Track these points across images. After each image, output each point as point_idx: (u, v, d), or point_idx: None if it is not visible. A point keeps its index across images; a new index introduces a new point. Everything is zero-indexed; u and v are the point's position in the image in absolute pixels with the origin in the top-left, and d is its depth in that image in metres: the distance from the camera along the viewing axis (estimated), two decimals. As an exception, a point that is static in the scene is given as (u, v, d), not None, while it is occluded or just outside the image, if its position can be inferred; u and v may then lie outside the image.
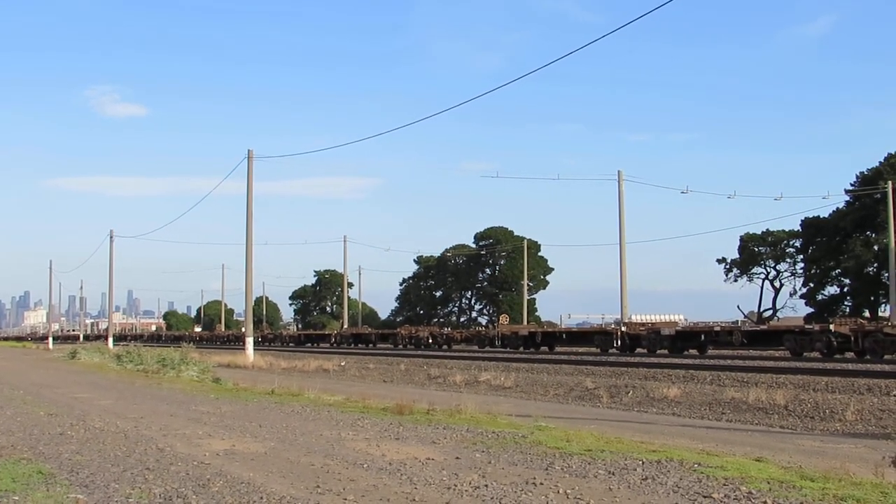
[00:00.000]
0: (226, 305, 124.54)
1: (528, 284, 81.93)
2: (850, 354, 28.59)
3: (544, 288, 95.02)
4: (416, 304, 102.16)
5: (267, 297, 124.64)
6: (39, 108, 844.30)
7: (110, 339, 70.76)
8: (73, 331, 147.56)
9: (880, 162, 60.49)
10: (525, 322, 68.39)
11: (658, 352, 35.07)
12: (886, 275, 55.10)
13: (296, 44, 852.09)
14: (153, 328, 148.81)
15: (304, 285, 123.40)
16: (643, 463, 8.21)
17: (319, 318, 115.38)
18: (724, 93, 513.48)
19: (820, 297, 65.93)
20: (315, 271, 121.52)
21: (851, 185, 62.45)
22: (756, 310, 74.01)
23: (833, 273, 64.74)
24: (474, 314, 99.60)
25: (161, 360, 28.98)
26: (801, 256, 70.63)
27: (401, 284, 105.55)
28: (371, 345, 60.27)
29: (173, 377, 25.17)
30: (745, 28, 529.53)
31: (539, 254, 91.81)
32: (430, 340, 52.99)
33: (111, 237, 71.84)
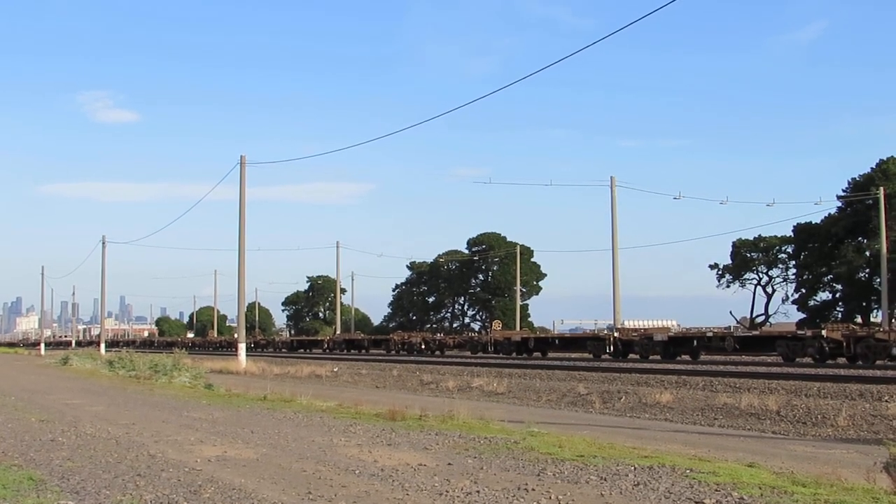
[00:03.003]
0: (218, 311, 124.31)
1: (520, 290, 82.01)
2: (842, 360, 28.70)
3: (537, 293, 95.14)
4: (408, 309, 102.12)
5: (259, 303, 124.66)
6: (31, 114, 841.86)
7: (102, 345, 70.45)
8: (65, 336, 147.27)
9: (872, 168, 60.78)
10: (518, 328, 68.43)
11: (650, 357, 35.15)
12: (878, 280, 55.37)
13: (288, 49, 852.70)
14: (145, 334, 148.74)
15: (297, 291, 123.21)
16: (635, 469, 8.22)
17: (312, 323, 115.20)
18: (716, 98, 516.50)
19: (812, 302, 66.13)
20: (308, 277, 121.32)
21: (843, 190, 62.74)
22: (748, 315, 74.15)
23: (825, 279, 64.96)
24: (467, 320, 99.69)
25: (153, 366, 28.87)
26: (794, 262, 70.78)
27: (394, 290, 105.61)
28: (364, 350, 60.24)
29: (165, 383, 25.08)
30: (737, 34, 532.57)
31: (532, 259, 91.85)
32: (423, 346, 52.98)
33: (103, 243, 71.71)
